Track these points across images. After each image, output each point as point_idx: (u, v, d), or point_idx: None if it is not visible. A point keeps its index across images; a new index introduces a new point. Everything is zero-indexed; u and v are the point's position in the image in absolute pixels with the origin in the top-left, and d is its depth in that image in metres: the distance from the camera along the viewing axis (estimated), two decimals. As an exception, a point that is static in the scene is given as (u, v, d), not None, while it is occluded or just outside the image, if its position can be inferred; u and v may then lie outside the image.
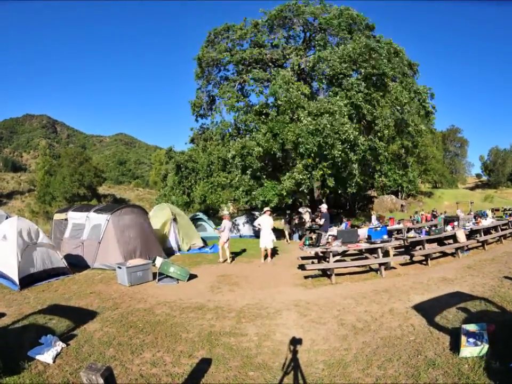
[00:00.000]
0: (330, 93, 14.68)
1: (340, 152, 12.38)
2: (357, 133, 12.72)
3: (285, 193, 13.27)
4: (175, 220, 12.33)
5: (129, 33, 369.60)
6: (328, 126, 12.17)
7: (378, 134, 14.06)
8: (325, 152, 12.51)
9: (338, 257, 8.27)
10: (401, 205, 28.79)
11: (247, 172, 14.03)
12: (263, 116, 14.77)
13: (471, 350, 3.85)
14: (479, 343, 3.85)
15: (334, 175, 14.94)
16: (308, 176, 12.78)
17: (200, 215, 16.89)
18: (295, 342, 4.59)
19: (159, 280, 7.89)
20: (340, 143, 12.29)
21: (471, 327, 3.97)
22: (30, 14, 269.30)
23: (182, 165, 17.23)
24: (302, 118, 12.80)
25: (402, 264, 9.07)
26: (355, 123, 13.25)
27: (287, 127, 12.54)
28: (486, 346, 3.85)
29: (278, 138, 12.55)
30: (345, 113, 12.80)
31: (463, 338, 3.90)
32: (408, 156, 18.17)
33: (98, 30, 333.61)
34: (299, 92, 13.61)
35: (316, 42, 15.88)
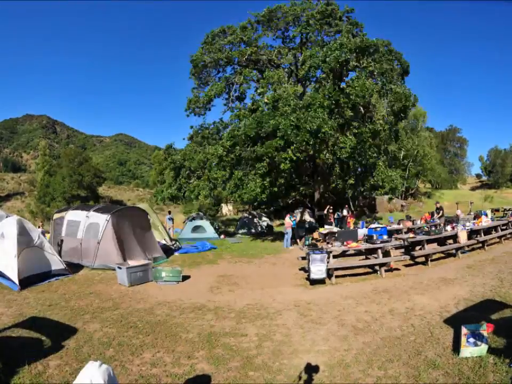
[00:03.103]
0: (314, 88, 14.85)
1: (305, 140, 12.51)
2: (331, 127, 12.82)
3: (267, 184, 13.50)
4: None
5: (129, 33, 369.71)
6: (302, 115, 12.37)
7: (354, 130, 14.14)
8: (296, 138, 12.65)
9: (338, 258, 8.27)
10: (401, 205, 28.82)
11: (234, 151, 14.20)
12: (254, 113, 14.92)
13: (471, 350, 3.86)
14: (479, 343, 3.85)
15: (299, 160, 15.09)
16: (277, 157, 12.97)
17: (200, 219, 17.13)
18: (296, 343, 4.58)
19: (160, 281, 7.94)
20: (307, 134, 12.42)
21: (471, 328, 3.97)
22: (29, 13, 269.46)
23: (178, 162, 17.30)
24: (288, 113, 12.95)
25: (403, 265, 9.06)
26: (334, 118, 13.40)
27: (272, 120, 12.72)
28: (486, 347, 3.85)
29: (260, 125, 12.80)
30: (324, 105, 12.89)
31: (463, 338, 3.90)
32: (379, 153, 17.94)
33: (98, 30, 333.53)
34: (289, 91, 13.73)
35: (298, 33, 16.03)
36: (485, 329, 3.94)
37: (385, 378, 3.61)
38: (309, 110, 12.82)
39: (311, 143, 12.94)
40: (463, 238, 9.73)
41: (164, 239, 12.89)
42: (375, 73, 14.67)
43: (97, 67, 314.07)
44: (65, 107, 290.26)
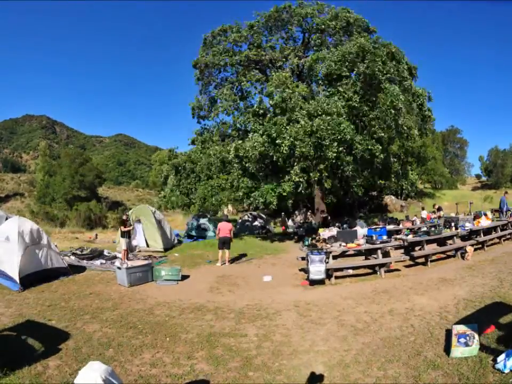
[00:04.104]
0: (327, 93, 14.70)
1: (335, 154, 12.42)
2: (353, 132, 12.74)
3: (285, 194, 13.34)
4: (139, 221, 12.86)
5: (130, 33, 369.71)
6: (323, 127, 12.24)
7: (375, 135, 14.06)
8: (321, 154, 12.54)
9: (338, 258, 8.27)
10: (401, 206, 28.77)
11: (245, 173, 14.06)
12: (261, 117, 14.78)
13: (462, 350, 3.84)
14: (470, 343, 3.83)
15: (331, 177, 14.91)
16: (305, 178, 12.81)
17: (203, 217, 17.13)
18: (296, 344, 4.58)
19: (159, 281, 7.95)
20: (336, 144, 12.31)
21: (462, 328, 3.96)
22: (29, 13, 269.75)
23: (181, 166, 17.24)
24: (299, 119, 12.82)
25: (402, 265, 9.05)
26: (351, 123, 13.26)
27: (284, 130, 12.55)
28: (477, 347, 3.84)
29: (275, 143, 12.64)
30: (343, 114, 12.82)
31: (454, 338, 3.88)
32: (408, 157, 18.12)
33: (98, 29, 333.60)
34: (296, 93, 13.61)
35: (313, 42, 15.91)
36: (476, 330, 3.94)
37: (384, 379, 3.61)
38: (331, 115, 12.66)
39: (342, 154, 12.91)
40: (471, 253, 9.56)
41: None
42: (397, 79, 14.63)
43: (97, 68, 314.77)
44: (65, 107, 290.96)
